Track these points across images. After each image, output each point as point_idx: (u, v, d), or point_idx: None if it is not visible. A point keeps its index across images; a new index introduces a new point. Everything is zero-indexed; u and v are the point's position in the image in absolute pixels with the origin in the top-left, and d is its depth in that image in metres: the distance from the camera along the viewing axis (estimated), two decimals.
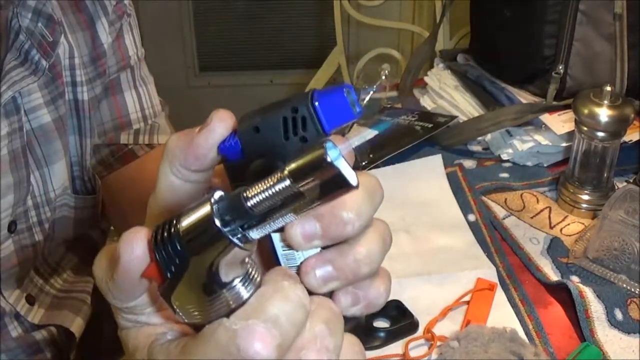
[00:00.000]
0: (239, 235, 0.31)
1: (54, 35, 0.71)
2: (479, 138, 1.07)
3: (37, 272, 0.78)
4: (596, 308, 0.76)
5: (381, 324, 0.77)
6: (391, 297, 0.78)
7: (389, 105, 1.18)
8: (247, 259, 0.33)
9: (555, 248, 0.87)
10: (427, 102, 1.19)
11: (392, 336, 0.75)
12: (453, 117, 1.10)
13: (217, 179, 0.38)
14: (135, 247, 0.32)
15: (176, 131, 0.85)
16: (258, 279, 0.33)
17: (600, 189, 0.93)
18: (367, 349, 0.74)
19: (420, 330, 0.76)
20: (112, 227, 0.91)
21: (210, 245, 0.31)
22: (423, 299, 0.80)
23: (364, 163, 1.00)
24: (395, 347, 0.74)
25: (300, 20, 2.65)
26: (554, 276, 0.83)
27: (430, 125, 1.08)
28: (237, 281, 0.32)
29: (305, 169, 0.30)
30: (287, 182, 0.30)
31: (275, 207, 0.31)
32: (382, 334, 0.75)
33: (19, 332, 0.75)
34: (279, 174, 0.31)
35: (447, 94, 1.16)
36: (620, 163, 0.94)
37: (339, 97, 0.34)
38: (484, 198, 0.97)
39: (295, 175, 0.30)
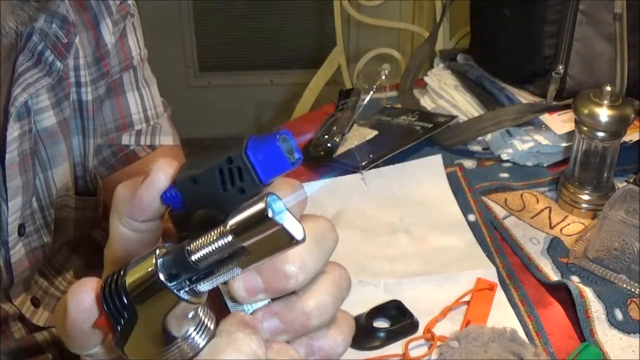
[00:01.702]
0: (186, 289, 0.31)
1: (69, 36, 0.71)
2: (479, 138, 1.07)
3: (41, 275, 0.78)
4: (596, 308, 0.76)
5: (381, 324, 0.77)
6: (391, 297, 0.79)
7: (389, 105, 1.18)
8: (199, 309, 0.33)
9: (555, 248, 0.87)
10: (427, 102, 1.19)
11: (392, 336, 0.75)
12: (453, 117, 1.10)
13: (169, 225, 0.37)
14: (81, 299, 0.32)
15: (178, 131, 0.84)
16: (212, 328, 0.33)
17: (600, 189, 0.93)
18: (367, 349, 0.74)
19: (420, 331, 0.76)
20: None
21: (157, 299, 0.31)
22: (423, 299, 0.80)
23: (364, 163, 1.00)
24: (395, 347, 0.74)
25: (300, 20, 2.65)
26: (554, 276, 0.83)
27: (430, 125, 1.08)
28: (191, 330, 0.32)
29: (246, 225, 0.30)
30: (229, 238, 0.30)
31: (220, 261, 0.31)
32: (382, 334, 0.75)
33: (22, 334, 0.75)
34: (220, 229, 0.30)
35: (447, 94, 1.16)
36: (620, 163, 0.94)
37: (272, 147, 0.33)
38: (484, 198, 0.97)
39: (237, 231, 0.30)
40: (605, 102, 0.88)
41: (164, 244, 0.32)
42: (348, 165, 1.01)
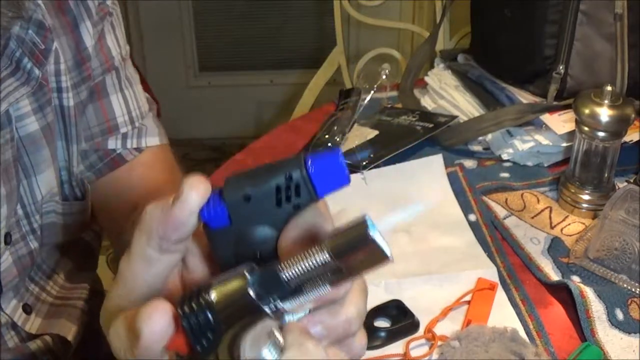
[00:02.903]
0: (271, 306, 0.32)
1: (46, 42, 0.69)
2: (480, 138, 1.07)
3: (32, 280, 0.76)
4: (597, 308, 0.76)
5: (382, 323, 0.77)
6: (392, 297, 0.79)
7: (389, 105, 1.18)
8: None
9: (555, 248, 0.87)
10: (427, 102, 1.19)
11: (392, 336, 0.75)
12: (453, 117, 1.10)
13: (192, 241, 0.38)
14: (156, 321, 0.32)
15: (169, 134, 0.83)
16: (281, 341, 0.34)
17: (600, 189, 0.93)
18: (367, 348, 0.74)
19: (421, 330, 0.76)
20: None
21: (244, 317, 0.32)
22: (423, 298, 0.80)
23: (364, 163, 1.00)
24: (396, 347, 0.74)
25: (300, 20, 2.65)
26: (554, 276, 0.83)
27: (430, 125, 1.08)
28: (264, 348, 0.33)
29: (346, 245, 0.31)
30: (326, 257, 0.31)
31: (311, 279, 0.32)
32: (382, 334, 0.75)
33: (15, 342, 0.74)
34: (317, 248, 0.31)
35: (447, 94, 1.16)
36: (621, 163, 0.94)
37: (335, 163, 0.34)
38: (484, 198, 0.97)
39: (336, 251, 0.31)
40: (606, 102, 0.88)
41: (249, 263, 0.33)
42: (348, 165, 1.00)
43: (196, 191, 0.35)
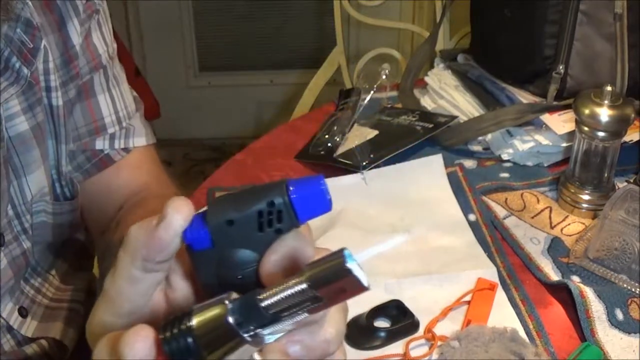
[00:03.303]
0: (251, 333, 0.33)
1: (34, 41, 0.68)
2: (480, 138, 1.07)
3: (27, 283, 0.76)
4: (597, 308, 0.76)
5: (382, 323, 0.77)
6: (391, 297, 0.79)
7: (389, 105, 1.18)
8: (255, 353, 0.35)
9: (555, 248, 0.87)
10: (427, 102, 1.19)
11: (392, 336, 0.75)
12: (453, 117, 1.10)
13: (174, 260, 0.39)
14: (138, 346, 0.33)
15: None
16: None
17: (600, 189, 0.93)
18: (367, 348, 0.74)
19: (421, 330, 0.76)
20: None
21: (223, 343, 0.33)
22: (423, 298, 0.80)
23: (364, 163, 1.00)
24: (396, 347, 0.74)
25: (300, 20, 2.65)
26: (554, 276, 0.83)
27: (430, 125, 1.08)
28: None
29: (324, 276, 0.32)
30: (304, 286, 0.32)
31: (289, 307, 0.33)
32: (382, 334, 0.75)
33: (11, 346, 0.73)
34: (297, 279, 0.32)
35: (447, 94, 1.16)
36: (621, 163, 0.94)
37: (317, 189, 0.35)
38: (484, 198, 0.97)
39: (314, 281, 0.32)
40: (606, 102, 0.88)
41: (230, 292, 0.34)
42: (348, 165, 1.01)
43: (180, 214, 0.35)
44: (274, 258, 0.36)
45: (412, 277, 0.83)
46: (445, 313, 0.77)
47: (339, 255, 0.32)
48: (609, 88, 0.88)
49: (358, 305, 0.78)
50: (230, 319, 0.32)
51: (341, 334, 0.38)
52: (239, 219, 0.35)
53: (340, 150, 1.04)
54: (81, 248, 0.85)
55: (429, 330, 0.75)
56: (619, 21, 1.03)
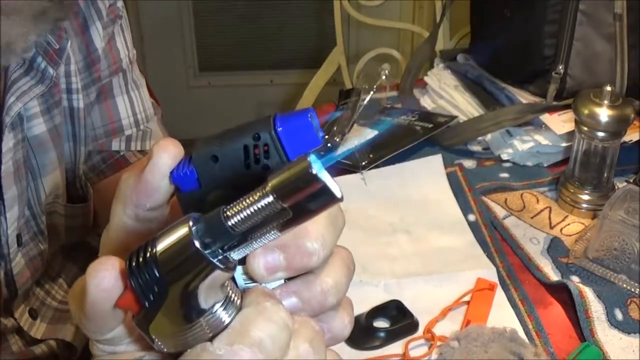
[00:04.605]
0: (219, 257, 0.30)
1: (60, 42, 0.69)
2: (479, 138, 1.07)
3: (38, 285, 0.76)
4: (596, 308, 0.76)
5: (381, 324, 0.77)
6: (391, 297, 0.79)
7: (389, 105, 1.18)
8: (226, 282, 0.32)
9: (555, 248, 0.87)
10: (427, 102, 1.19)
11: (392, 336, 0.75)
12: (453, 117, 1.10)
13: (170, 212, 0.37)
14: (102, 277, 0.31)
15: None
16: (238, 302, 0.32)
17: (600, 189, 0.93)
18: (367, 349, 0.74)
19: (420, 330, 0.76)
20: None
21: (191, 269, 0.30)
22: (423, 299, 0.80)
23: (363, 163, 1.00)
24: (395, 347, 0.74)
25: (300, 20, 2.65)
26: (554, 276, 0.83)
27: (430, 125, 1.08)
28: (217, 305, 0.31)
29: (289, 184, 0.29)
30: (270, 199, 0.29)
31: (258, 225, 0.30)
32: (382, 334, 0.75)
33: (19, 346, 0.74)
34: (261, 191, 0.29)
35: (447, 94, 1.16)
36: (620, 163, 0.94)
37: (304, 123, 0.32)
38: (484, 198, 0.97)
39: (279, 191, 0.29)
40: (606, 102, 0.88)
41: (192, 214, 0.31)
42: (348, 165, 1.01)
43: (166, 153, 0.34)
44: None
45: (411, 277, 0.83)
46: (444, 313, 0.77)
47: (304, 161, 0.29)
48: (608, 88, 0.88)
49: (357, 305, 0.78)
50: (196, 242, 0.30)
51: (341, 287, 0.35)
52: (224, 155, 0.33)
53: (340, 150, 1.04)
54: (92, 252, 0.85)
55: (428, 330, 0.75)
56: (618, 21, 1.03)
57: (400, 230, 0.91)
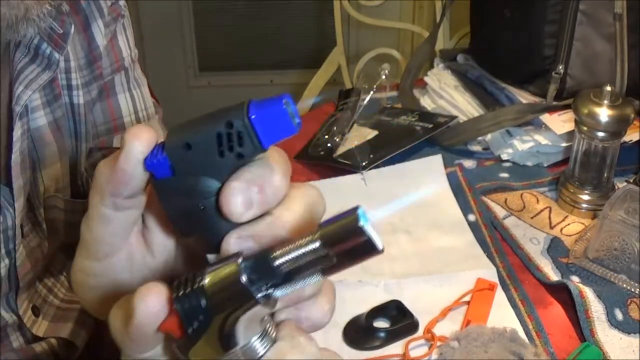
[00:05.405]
0: (263, 294, 0.32)
1: (64, 26, 0.69)
2: (479, 138, 1.07)
3: (40, 282, 0.77)
4: (596, 308, 0.76)
5: (381, 324, 0.77)
6: (391, 297, 0.79)
7: (389, 105, 1.18)
8: (265, 316, 0.34)
9: (555, 248, 0.87)
10: (427, 102, 1.19)
11: (392, 336, 0.75)
12: (453, 117, 1.10)
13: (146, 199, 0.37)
14: (151, 303, 0.33)
15: None
16: (273, 335, 0.34)
17: (600, 189, 0.93)
18: (367, 349, 0.74)
19: (421, 331, 0.76)
20: None
21: (235, 303, 0.32)
22: (423, 299, 0.80)
23: (364, 163, 1.00)
24: (395, 347, 0.74)
25: (300, 20, 2.65)
26: (554, 276, 0.83)
27: (430, 125, 1.08)
28: (255, 337, 0.33)
29: (336, 235, 0.31)
30: (317, 245, 0.31)
31: (302, 268, 0.32)
32: (382, 334, 0.75)
33: (20, 343, 0.74)
34: (309, 237, 0.31)
35: (447, 94, 1.16)
36: (621, 163, 0.94)
37: (278, 110, 0.32)
38: (484, 198, 0.97)
39: (326, 240, 0.31)
40: (605, 102, 0.88)
41: (242, 251, 0.33)
42: (348, 165, 1.01)
43: (138, 140, 0.34)
44: (235, 185, 0.33)
45: (411, 277, 0.83)
46: (444, 313, 0.77)
47: (353, 214, 0.31)
48: (608, 88, 0.88)
49: (357, 306, 0.78)
50: (243, 278, 0.31)
51: (299, 218, 0.34)
52: (197, 142, 0.33)
53: (340, 150, 1.04)
54: None
55: (428, 330, 0.75)
56: (618, 21, 1.03)
57: (400, 230, 0.91)
